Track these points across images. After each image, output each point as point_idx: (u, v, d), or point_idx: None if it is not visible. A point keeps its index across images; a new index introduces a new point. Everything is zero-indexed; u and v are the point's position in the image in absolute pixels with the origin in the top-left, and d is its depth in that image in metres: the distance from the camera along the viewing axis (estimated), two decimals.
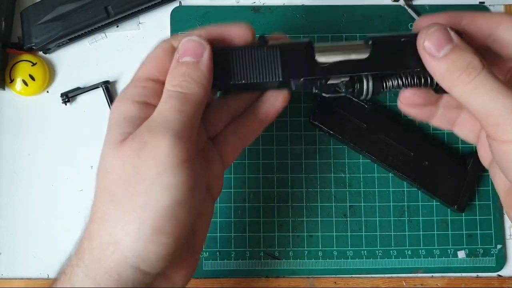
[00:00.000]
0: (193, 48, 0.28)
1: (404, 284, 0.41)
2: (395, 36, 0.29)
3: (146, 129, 0.26)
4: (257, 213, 0.41)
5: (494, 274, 0.41)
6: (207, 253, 0.41)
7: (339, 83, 0.30)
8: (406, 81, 0.29)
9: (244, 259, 0.41)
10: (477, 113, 0.26)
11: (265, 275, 0.41)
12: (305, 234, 0.41)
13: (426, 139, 0.42)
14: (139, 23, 0.43)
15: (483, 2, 0.43)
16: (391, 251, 0.41)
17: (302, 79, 0.29)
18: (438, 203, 0.41)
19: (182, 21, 0.43)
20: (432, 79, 0.29)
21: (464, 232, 0.41)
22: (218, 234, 0.41)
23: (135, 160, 0.25)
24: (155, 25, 0.43)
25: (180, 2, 0.43)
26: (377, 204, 0.41)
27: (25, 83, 0.41)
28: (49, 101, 0.42)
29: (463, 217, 0.41)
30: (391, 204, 0.41)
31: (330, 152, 0.42)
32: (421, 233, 0.41)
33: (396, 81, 0.29)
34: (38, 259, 0.41)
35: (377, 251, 0.41)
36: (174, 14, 0.43)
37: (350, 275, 0.41)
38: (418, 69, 0.29)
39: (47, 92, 0.43)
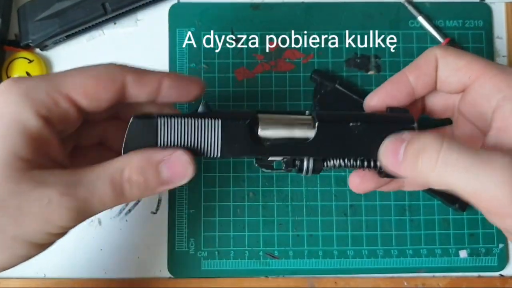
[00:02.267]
0: (181, 174, 0.27)
1: (405, 284, 0.41)
2: (344, 116, 0.29)
3: (60, 188, 0.24)
4: (257, 212, 0.41)
5: (496, 274, 0.41)
6: (206, 252, 0.40)
7: (280, 160, 0.30)
8: (348, 163, 0.29)
9: (243, 259, 0.40)
10: (463, 193, 0.25)
11: (265, 275, 0.40)
12: (305, 233, 0.41)
13: None
14: (137, 20, 0.43)
15: (484, 0, 0.43)
16: (392, 251, 0.41)
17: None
18: (439, 202, 0.41)
19: (181, 18, 0.42)
20: (375, 162, 0.29)
21: (466, 231, 0.41)
22: (216, 233, 0.40)
23: (22, 203, 0.24)
24: (153, 22, 0.43)
25: None
26: (377, 203, 0.41)
27: None
28: None
29: (465, 216, 0.41)
30: (392, 203, 0.41)
31: None
32: (422, 232, 0.41)
33: (338, 162, 0.29)
34: (35, 259, 0.40)
35: (378, 251, 0.41)
36: (172, 11, 0.42)
37: (351, 275, 0.41)
38: (359, 163, 0.29)
39: None
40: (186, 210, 0.41)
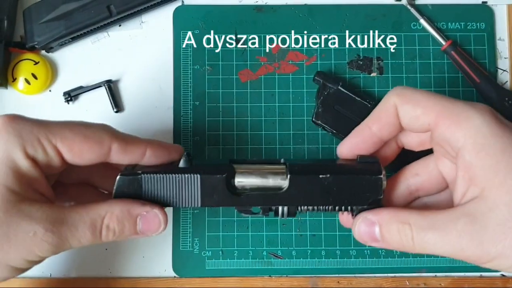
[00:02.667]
0: (153, 230, 0.30)
1: (407, 283, 0.41)
2: (314, 168, 0.32)
3: (46, 224, 0.27)
4: None
5: (498, 274, 0.41)
6: (210, 252, 0.41)
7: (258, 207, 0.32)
8: (321, 208, 0.32)
9: (247, 258, 0.41)
10: (446, 257, 0.30)
11: (268, 274, 0.41)
12: (308, 233, 0.41)
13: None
14: (142, 22, 0.43)
15: (486, 2, 0.43)
16: (395, 251, 0.41)
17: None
18: None
19: (185, 20, 0.43)
20: (346, 208, 0.32)
21: None
22: (220, 233, 0.41)
23: (10, 232, 0.26)
24: (158, 24, 0.43)
25: (182, 1, 0.43)
26: None
27: (28, 82, 0.41)
28: (51, 100, 0.42)
29: None
30: None
31: (333, 152, 0.42)
32: None
33: (311, 207, 0.32)
34: None
35: (380, 251, 0.41)
36: (176, 13, 0.43)
37: (353, 275, 0.41)
38: (331, 208, 0.31)
39: (50, 91, 0.42)
40: (191, 210, 0.41)
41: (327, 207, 0.32)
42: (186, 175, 0.31)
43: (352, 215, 0.32)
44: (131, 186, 0.31)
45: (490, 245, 0.26)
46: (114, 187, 0.31)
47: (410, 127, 0.31)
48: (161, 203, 0.31)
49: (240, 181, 0.32)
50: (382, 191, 0.31)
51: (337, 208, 0.32)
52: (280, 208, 0.32)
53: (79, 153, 0.29)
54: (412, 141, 0.33)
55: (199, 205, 0.31)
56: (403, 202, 0.34)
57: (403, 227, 0.28)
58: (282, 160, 0.33)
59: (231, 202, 0.31)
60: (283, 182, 0.31)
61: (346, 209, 0.32)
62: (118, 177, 0.31)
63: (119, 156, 0.30)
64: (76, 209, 0.29)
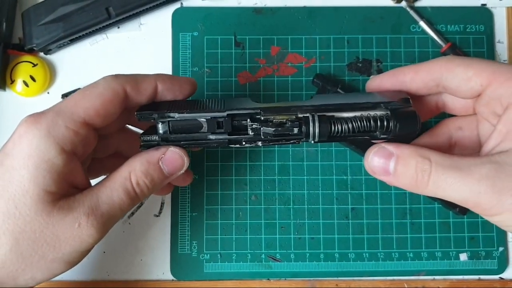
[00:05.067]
0: (179, 166, 0.30)
1: (406, 286, 0.41)
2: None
3: (86, 211, 0.28)
4: (259, 215, 0.41)
5: (496, 277, 0.41)
6: (208, 255, 0.41)
7: (286, 122, 0.29)
8: (355, 124, 0.29)
9: (245, 261, 0.41)
10: (456, 201, 0.27)
11: (267, 277, 0.41)
12: (306, 236, 0.41)
13: None
14: (140, 24, 0.43)
15: (485, 4, 0.43)
16: (393, 254, 0.41)
17: (248, 114, 0.29)
18: (440, 205, 0.41)
19: (184, 22, 0.43)
20: (383, 122, 0.28)
21: (466, 234, 0.41)
22: (219, 236, 0.41)
23: (57, 231, 0.27)
24: (157, 26, 0.43)
25: (181, 3, 0.43)
26: (379, 206, 0.41)
27: (26, 84, 0.41)
28: (50, 102, 0.42)
29: (465, 220, 0.41)
30: (393, 206, 0.41)
31: (332, 154, 0.42)
32: (423, 235, 0.41)
33: (346, 125, 0.28)
34: None
35: (379, 254, 0.41)
36: (175, 15, 0.43)
37: (352, 278, 0.41)
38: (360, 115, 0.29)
39: (48, 93, 0.42)
40: (189, 213, 0.41)
41: (363, 121, 0.28)
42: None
43: (389, 131, 0.29)
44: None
45: (509, 195, 0.25)
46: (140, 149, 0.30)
47: (459, 91, 0.30)
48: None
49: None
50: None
51: (368, 124, 0.28)
52: (311, 125, 0.28)
53: (105, 112, 0.29)
54: (456, 104, 0.32)
55: (225, 114, 0.29)
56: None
57: (422, 161, 0.27)
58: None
59: (255, 107, 0.29)
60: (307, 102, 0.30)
61: (382, 123, 0.28)
62: (140, 141, 0.30)
63: (135, 97, 0.30)
64: (104, 183, 0.29)
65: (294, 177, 0.41)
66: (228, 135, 0.29)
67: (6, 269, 0.27)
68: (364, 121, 0.28)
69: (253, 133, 0.29)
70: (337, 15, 0.43)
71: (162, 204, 0.41)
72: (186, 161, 0.30)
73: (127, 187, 0.29)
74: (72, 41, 0.42)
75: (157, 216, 0.41)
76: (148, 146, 0.30)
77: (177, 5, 0.43)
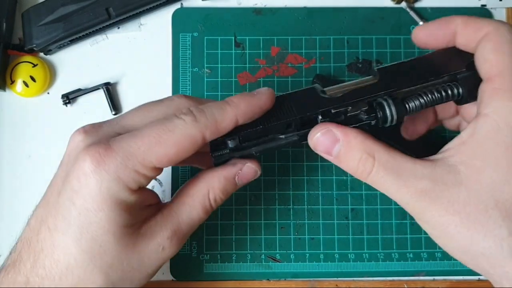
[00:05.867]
0: (252, 177, 0.31)
1: (406, 286, 0.41)
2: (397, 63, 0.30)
3: (169, 235, 0.29)
4: (259, 216, 0.41)
5: None
6: (208, 255, 0.41)
7: (359, 112, 0.29)
8: (428, 98, 0.29)
9: (245, 262, 0.41)
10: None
11: (266, 278, 0.41)
12: (306, 236, 0.41)
13: (428, 142, 0.42)
14: (140, 24, 0.43)
15: (485, 5, 0.43)
16: (393, 254, 0.41)
17: (319, 112, 0.29)
18: None
19: (184, 22, 0.43)
20: (453, 91, 0.29)
21: None
22: (219, 237, 0.41)
23: (143, 257, 0.28)
24: (157, 26, 0.43)
25: (181, 4, 0.43)
26: (378, 206, 0.41)
27: (26, 85, 0.41)
28: (50, 103, 0.42)
29: None
30: (393, 207, 0.41)
31: None
32: (423, 236, 0.41)
33: (418, 101, 0.29)
34: None
35: (378, 254, 0.41)
36: (175, 16, 0.43)
37: (352, 278, 0.41)
38: (434, 79, 0.29)
39: (48, 93, 0.42)
40: None
41: (434, 94, 0.29)
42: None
43: (459, 98, 0.29)
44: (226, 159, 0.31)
45: (436, 212, 0.26)
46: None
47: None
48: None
49: (329, 91, 0.30)
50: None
51: (438, 94, 0.29)
52: (386, 108, 0.28)
53: (177, 160, 0.28)
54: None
55: (297, 116, 0.29)
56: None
57: (366, 158, 0.27)
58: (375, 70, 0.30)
59: (326, 104, 0.29)
60: (374, 79, 0.30)
61: (453, 95, 0.29)
62: (212, 158, 0.30)
63: (211, 138, 0.29)
64: (183, 200, 0.30)
65: (294, 177, 0.41)
66: (297, 131, 0.29)
67: None
68: (435, 94, 0.29)
69: None
70: (337, 16, 0.43)
71: None
72: (259, 172, 0.31)
73: (206, 204, 0.30)
74: (72, 41, 0.42)
75: None
76: (220, 158, 0.30)
77: (177, 6, 0.43)
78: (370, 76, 0.30)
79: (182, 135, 0.27)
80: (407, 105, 0.29)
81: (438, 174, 0.26)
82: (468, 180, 0.25)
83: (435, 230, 0.27)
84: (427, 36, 0.30)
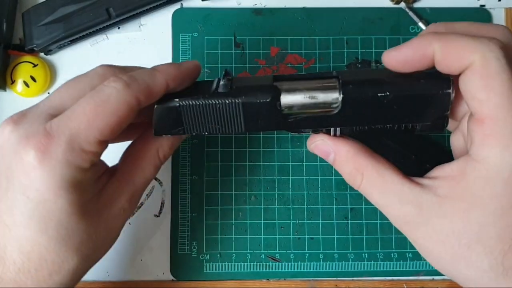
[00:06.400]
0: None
1: (405, 286, 0.41)
2: (372, 82, 0.27)
3: (128, 198, 0.30)
4: (258, 215, 0.41)
5: None
6: (208, 255, 0.41)
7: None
8: (378, 127, 0.29)
9: (245, 262, 0.41)
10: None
11: (266, 278, 0.41)
12: (306, 236, 0.41)
13: (427, 141, 0.42)
14: (141, 24, 0.43)
15: (484, 6, 0.43)
16: (392, 254, 0.41)
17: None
18: None
19: (184, 23, 0.43)
20: (406, 127, 0.29)
21: None
22: (219, 237, 0.41)
23: (109, 223, 0.29)
24: (157, 26, 0.43)
25: (181, 4, 0.43)
26: None
27: (26, 85, 0.41)
28: None
29: None
30: None
31: None
32: None
33: (367, 127, 0.29)
34: None
35: (378, 254, 0.41)
36: (175, 16, 0.43)
37: (351, 278, 0.41)
38: (389, 127, 0.28)
39: (48, 93, 0.43)
40: (189, 213, 0.41)
41: (385, 126, 0.28)
42: (227, 101, 0.28)
43: (413, 132, 0.29)
44: (170, 115, 0.29)
45: (420, 235, 0.27)
46: (153, 117, 0.29)
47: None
48: (203, 130, 0.29)
49: (286, 102, 0.28)
50: (450, 107, 0.27)
51: (396, 126, 0.28)
52: (332, 129, 0.29)
53: (119, 129, 0.27)
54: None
55: (243, 131, 0.29)
56: (461, 116, 0.30)
57: (355, 173, 0.28)
58: (334, 73, 0.28)
59: (276, 126, 0.29)
60: (335, 101, 0.27)
61: (406, 127, 0.28)
62: (155, 106, 0.29)
63: (145, 104, 0.28)
64: (136, 163, 0.31)
65: (293, 177, 0.41)
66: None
67: (80, 273, 0.29)
68: (389, 128, 0.29)
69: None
70: (336, 16, 0.43)
71: (162, 204, 0.42)
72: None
73: (156, 162, 0.31)
74: (73, 41, 0.42)
75: (157, 216, 0.42)
76: (166, 102, 0.29)
77: (177, 6, 0.43)
78: (333, 82, 0.28)
79: (118, 103, 0.26)
80: (354, 129, 0.29)
81: (424, 202, 0.26)
82: (453, 216, 0.25)
83: (420, 250, 0.28)
84: (400, 63, 0.27)
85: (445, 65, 0.25)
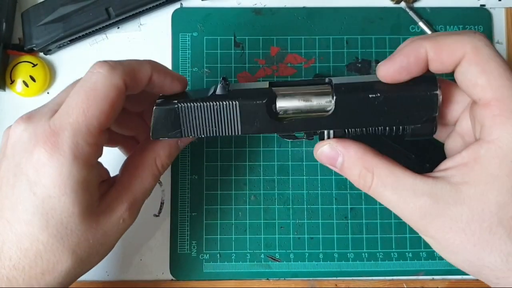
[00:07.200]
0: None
1: (405, 286, 0.41)
2: (363, 85, 0.28)
3: (127, 207, 0.31)
4: (258, 215, 0.41)
5: None
6: (208, 255, 0.41)
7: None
8: (370, 129, 0.29)
9: (244, 261, 0.41)
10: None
11: (266, 277, 0.41)
12: (306, 236, 0.41)
13: (427, 141, 0.42)
14: (140, 24, 0.43)
15: (484, 5, 0.43)
16: (392, 254, 0.41)
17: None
18: None
19: (183, 22, 0.43)
20: (397, 130, 0.29)
21: None
22: (218, 236, 0.41)
23: (107, 231, 0.30)
24: (156, 26, 0.43)
25: (181, 4, 0.43)
26: (378, 206, 0.41)
27: (26, 84, 0.41)
28: None
29: None
30: None
31: None
32: None
33: (359, 129, 0.29)
34: None
35: (378, 254, 0.41)
36: (175, 16, 0.43)
37: (351, 278, 0.41)
38: (381, 129, 0.29)
39: (48, 93, 0.42)
40: (188, 213, 0.41)
41: (376, 129, 0.29)
42: (224, 103, 0.29)
43: (404, 137, 0.30)
44: (169, 117, 0.29)
45: (434, 230, 0.27)
46: (152, 119, 0.29)
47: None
48: (200, 132, 0.30)
49: (282, 106, 0.29)
50: (438, 108, 0.28)
51: (387, 129, 0.29)
52: (325, 132, 0.30)
53: (114, 114, 0.28)
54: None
55: (239, 133, 0.29)
56: (454, 120, 0.30)
57: (365, 173, 0.28)
58: (326, 80, 0.30)
59: (272, 129, 0.29)
60: (328, 104, 0.29)
61: (397, 130, 0.29)
62: (154, 108, 0.29)
63: (132, 89, 0.29)
64: (134, 173, 0.31)
65: (293, 177, 0.41)
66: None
67: (72, 276, 0.30)
68: (380, 131, 0.29)
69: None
70: (336, 16, 0.43)
71: (162, 204, 0.42)
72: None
73: (155, 172, 0.32)
74: (72, 41, 0.42)
75: (157, 216, 0.41)
76: (165, 104, 0.30)
77: (176, 6, 0.43)
78: (326, 87, 0.29)
79: (105, 87, 0.27)
80: (346, 131, 0.30)
81: (439, 192, 0.26)
82: (471, 200, 0.25)
83: (439, 245, 0.27)
84: (397, 72, 0.27)
85: (440, 62, 0.26)
